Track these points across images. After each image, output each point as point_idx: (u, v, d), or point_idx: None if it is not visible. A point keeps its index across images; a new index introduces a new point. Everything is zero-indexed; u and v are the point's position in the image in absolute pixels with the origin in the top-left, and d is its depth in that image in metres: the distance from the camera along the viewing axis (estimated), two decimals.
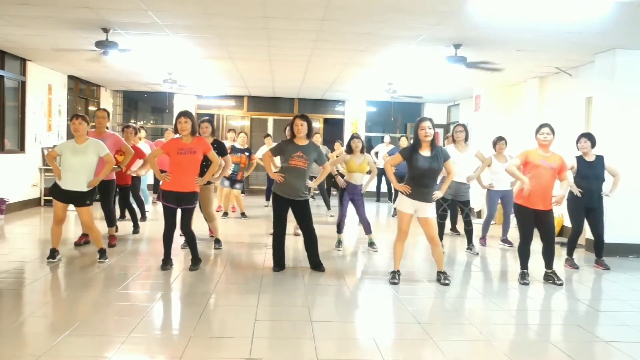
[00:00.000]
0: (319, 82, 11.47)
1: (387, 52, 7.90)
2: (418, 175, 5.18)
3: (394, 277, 5.40)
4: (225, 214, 9.60)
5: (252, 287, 5.11)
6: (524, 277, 5.57)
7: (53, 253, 5.81)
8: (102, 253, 5.93)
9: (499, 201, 7.57)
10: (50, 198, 10.03)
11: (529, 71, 9.14)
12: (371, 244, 7.13)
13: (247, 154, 9.17)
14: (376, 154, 12.63)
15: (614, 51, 7.09)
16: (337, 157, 9.37)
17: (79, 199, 5.76)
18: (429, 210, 5.26)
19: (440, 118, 14.88)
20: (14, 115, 9.71)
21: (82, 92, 12.51)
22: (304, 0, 5.51)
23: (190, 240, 5.77)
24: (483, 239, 7.67)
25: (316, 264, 5.79)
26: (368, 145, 15.73)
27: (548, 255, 5.62)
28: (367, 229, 7.12)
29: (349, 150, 6.98)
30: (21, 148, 9.84)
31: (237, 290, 5.12)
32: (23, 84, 9.81)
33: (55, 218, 5.80)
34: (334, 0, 5.44)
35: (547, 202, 5.45)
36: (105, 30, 6.98)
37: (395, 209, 10.43)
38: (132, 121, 15.21)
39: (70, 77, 11.55)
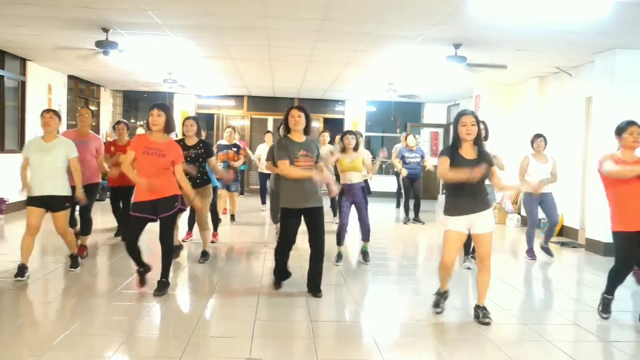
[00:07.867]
0: (319, 82, 11.46)
1: (387, 52, 7.89)
2: (461, 182, 4.01)
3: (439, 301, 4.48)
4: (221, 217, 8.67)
5: (252, 287, 5.11)
6: (606, 308, 4.49)
7: (22, 270, 4.93)
8: (74, 260, 5.38)
9: (539, 207, 6.74)
10: None
11: (529, 71, 9.14)
12: (365, 253, 6.35)
13: (234, 149, 8.16)
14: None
15: (614, 51, 7.08)
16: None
17: (56, 203, 5.03)
18: (487, 224, 4.14)
19: (440, 118, 14.89)
20: (13, 115, 9.70)
21: (82, 91, 12.50)
22: (304, 0, 5.51)
23: (167, 254, 4.65)
24: (530, 251, 6.81)
25: (315, 287, 4.84)
26: (367, 146, 15.74)
27: None
28: (366, 235, 6.32)
29: (343, 148, 6.29)
30: (21, 148, 9.82)
31: (237, 290, 5.11)
32: (23, 84, 9.80)
33: (28, 228, 5.01)
34: (333, 0, 5.44)
35: None
36: (105, 30, 6.98)
37: (407, 216, 9.95)
38: (132, 121, 15.20)
39: (70, 77, 11.54)
